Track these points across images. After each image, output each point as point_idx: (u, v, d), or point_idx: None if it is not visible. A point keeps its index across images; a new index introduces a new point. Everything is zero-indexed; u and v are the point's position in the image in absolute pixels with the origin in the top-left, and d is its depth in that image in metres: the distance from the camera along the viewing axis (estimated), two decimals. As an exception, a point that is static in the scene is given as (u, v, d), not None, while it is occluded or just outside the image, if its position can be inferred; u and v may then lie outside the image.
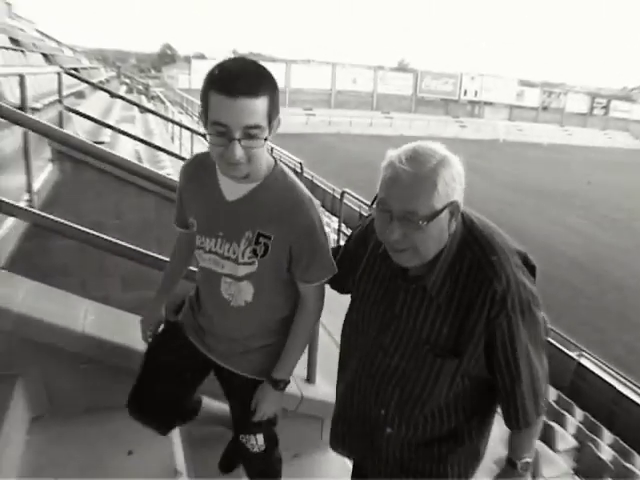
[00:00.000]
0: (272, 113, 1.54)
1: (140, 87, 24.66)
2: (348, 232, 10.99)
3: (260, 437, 2.08)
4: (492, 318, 1.55)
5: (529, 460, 1.75)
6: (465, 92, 57.68)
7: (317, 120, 50.50)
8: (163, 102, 17.48)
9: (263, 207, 1.72)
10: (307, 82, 53.98)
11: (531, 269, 1.65)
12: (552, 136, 55.20)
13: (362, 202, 9.19)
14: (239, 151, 1.51)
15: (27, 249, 3.55)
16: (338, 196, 9.80)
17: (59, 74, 5.69)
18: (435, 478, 1.76)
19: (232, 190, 1.72)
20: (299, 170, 12.74)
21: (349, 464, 2.92)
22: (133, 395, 2.14)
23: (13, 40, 16.68)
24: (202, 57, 58.31)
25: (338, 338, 1.97)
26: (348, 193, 9.27)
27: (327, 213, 15.54)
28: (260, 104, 1.49)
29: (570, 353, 9.79)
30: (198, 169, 1.84)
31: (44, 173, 4.41)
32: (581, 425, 7.95)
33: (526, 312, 1.57)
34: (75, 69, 14.39)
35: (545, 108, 61.59)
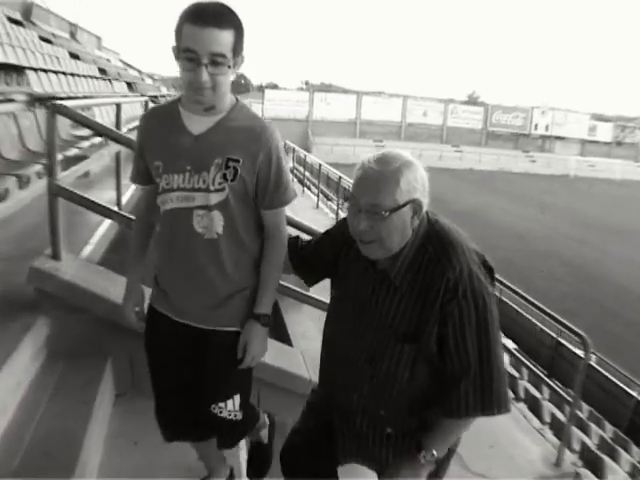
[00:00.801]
0: (237, 48, 1.74)
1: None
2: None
3: (237, 399, 2.06)
4: (445, 305, 1.71)
5: (435, 454, 1.81)
6: (536, 126, 57.00)
7: (386, 152, 50.58)
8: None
9: (231, 134, 1.84)
10: (378, 114, 54.24)
11: (489, 270, 1.82)
12: (625, 172, 53.85)
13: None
14: (205, 75, 1.69)
15: (116, 251, 4.17)
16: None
17: (146, 102, 7.09)
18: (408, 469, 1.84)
19: (197, 125, 1.85)
20: (337, 181, 13.90)
21: None
22: (161, 416, 2.19)
23: (101, 70, 18.57)
24: (275, 87, 59.44)
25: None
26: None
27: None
28: (226, 36, 1.69)
29: (630, 391, 9.89)
30: (158, 115, 1.98)
31: (129, 190, 4.98)
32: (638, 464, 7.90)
33: (479, 303, 1.71)
34: (155, 97, 15.91)
35: (619, 143, 60.20)
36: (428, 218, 1.83)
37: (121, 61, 34.80)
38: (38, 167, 4.70)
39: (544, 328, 11.87)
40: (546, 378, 5.80)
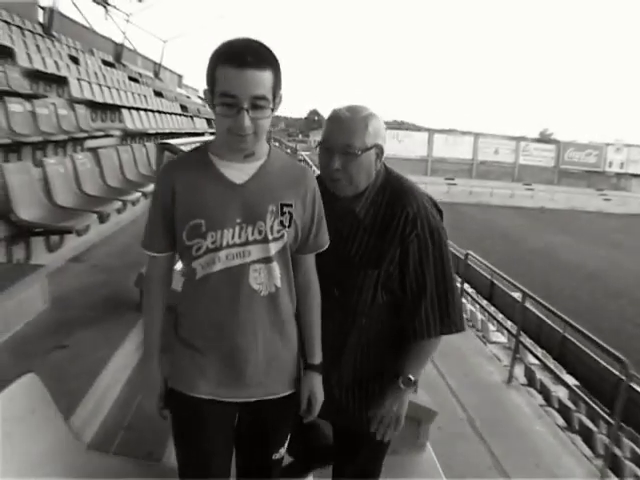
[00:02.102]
0: (276, 88, 1.60)
1: (288, 150, 26.53)
2: (470, 291, 12.18)
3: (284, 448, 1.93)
4: (406, 236, 1.92)
5: (411, 377, 1.99)
6: (610, 164, 55.53)
7: (458, 190, 50.06)
8: (309, 165, 19.52)
9: (277, 178, 1.72)
10: (449, 151, 54.23)
11: (440, 212, 2.06)
12: None
13: (486, 265, 10.50)
14: (247, 121, 1.54)
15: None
16: (462, 256, 11.19)
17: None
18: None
19: (239, 173, 1.69)
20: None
21: (439, 464, 4.05)
22: None
23: (183, 107, 19.65)
24: None
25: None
26: (472, 255, 10.61)
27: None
28: (266, 77, 1.54)
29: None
30: (185, 168, 1.74)
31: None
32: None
33: (435, 236, 1.95)
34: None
35: (699, 181, 57.69)
36: (385, 167, 2.07)
37: (200, 97, 36.48)
38: (137, 194, 5.40)
39: (607, 366, 11.83)
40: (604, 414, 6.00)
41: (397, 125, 63.88)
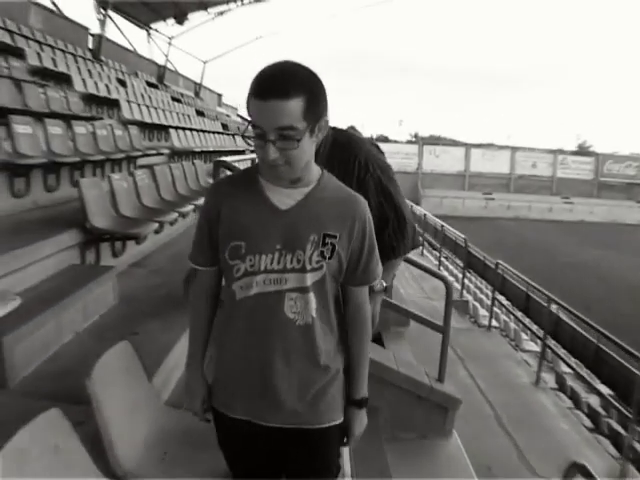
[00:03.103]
0: (310, 114, 1.52)
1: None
2: (500, 297, 12.42)
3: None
4: (362, 179, 2.18)
5: (384, 283, 2.32)
6: None
7: (496, 204, 49.86)
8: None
9: (324, 207, 1.67)
10: (486, 166, 53.68)
11: (378, 148, 2.32)
12: None
13: (516, 275, 10.78)
14: (273, 152, 1.52)
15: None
16: (493, 265, 11.47)
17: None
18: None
19: (284, 198, 1.66)
20: (462, 244, 14.52)
21: (463, 449, 4.38)
22: None
23: (224, 126, 20.31)
24: (385, 140, 59.76)
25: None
26: (501, 264, 10.91)
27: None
28: (293, 105, 1.48)
29: None
30: (234, 187, 1.74)
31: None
32: None
33: (385, 173, 2.22)
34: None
35: None
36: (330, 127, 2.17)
37: (239, 116, 37.37)
38: (189, 207, 5.96)
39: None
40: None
41: (434, 140, 63.71)
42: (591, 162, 54.90)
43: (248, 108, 1.55)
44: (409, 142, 60.00)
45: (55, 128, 5.89)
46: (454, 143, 60.48)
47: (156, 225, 4.85)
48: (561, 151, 56.75)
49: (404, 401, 4.28)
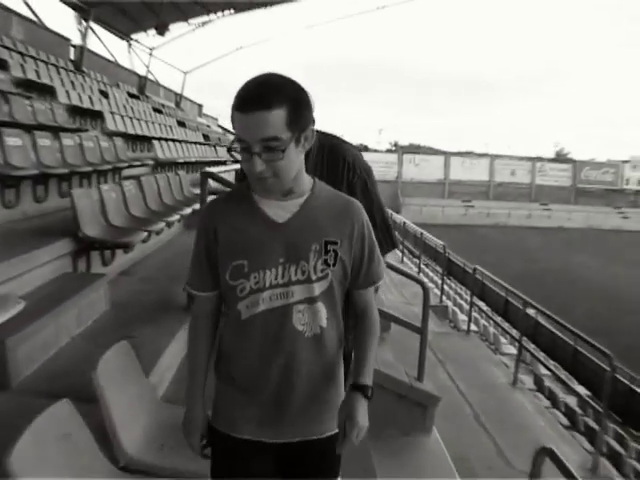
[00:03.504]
0: (294, 124, 1.52)
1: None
2: (479, 303, 12.67)
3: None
4: (350, 180, 2.23)
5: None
6: (627, 181, 55.30)
7: (475, 212, 50.72)
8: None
9: (321, 215, 1.67)
10: (466, 174, 54.34)
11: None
12: None
13: (494, 280, 11.05)
14: (259, 165, 1.51)
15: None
16: (471, 271, 11.75)
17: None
18: None
19: (280, 211, 1.64)
20: (442, 251, 14.82)
21: (443, 444, 4.57)
22: None
23: (205, 136, 20.46)
24: (365, 149, 59.92)
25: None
26: (479, 269, 11.20)
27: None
28: (275, 116, 1.47)
29: None
30: (227, 207, 1.71)
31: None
32: None
33: (370, 175, 2.30)
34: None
35: None
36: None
37: (219, 126, 37.47)
38: (175, 217, 6.13)
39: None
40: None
41: (414, 149, 64.31)
42: (569, 169, 55.79)
43: (232, 122, 1.53)
44: (389, 151, 60.54)
45: (44, 140, 6.02)
46: (433, 151, 61.11)
47: (145, 234, 5.01)
48: (539, 158, 57.52)
49: (385, 399, 4.42)
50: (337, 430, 1.67)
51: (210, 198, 3.30)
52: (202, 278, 1.73)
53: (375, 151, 57.27)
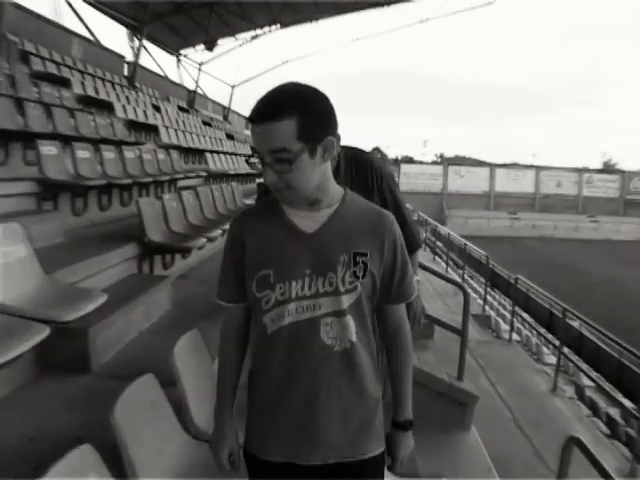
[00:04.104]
0: (307, 135, 1.48)
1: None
2: (524, 315, 12.73)
3: None
4: (379, 186, 2.43)
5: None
6: None
7: (521, 224, 49.93)
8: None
9: (351, 226, 1.62)
10: (511, 186, 53.67)
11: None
12: None
13: (534, 288, 11.14)
14: (271, 175, 1.51)
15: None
16: (513, 282, 11.88)
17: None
18: None
19: (309, 221, 1.61)
20: (485, 262, 14.91)
21: (482, 443, 4.76)
22: None
23: (252, 149, 20.90)
24: (410, 160, 59.69)
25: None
26: (521, 279, 11.30)
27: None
28: (284, 127, 1.45)
29: None
30: (256, 216, 1.70)
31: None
32: None
33: (393, 178, 2.53)
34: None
35: None
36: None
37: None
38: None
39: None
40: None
41: (459, 161, 63.96)
42: (617, 180, 54.44)
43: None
44: (434, 163, 60.09)
45: (108, 153, 6.51)
46: (479, 163, 60.38)
47: (204, 240, 5.40)
48: (586, 169, 56.40)
49: (426, 397, 4.64)
50: (376, 453, 1.68)
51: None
52: (231, 289, 1.70)
53: (420, 163, 56.97)
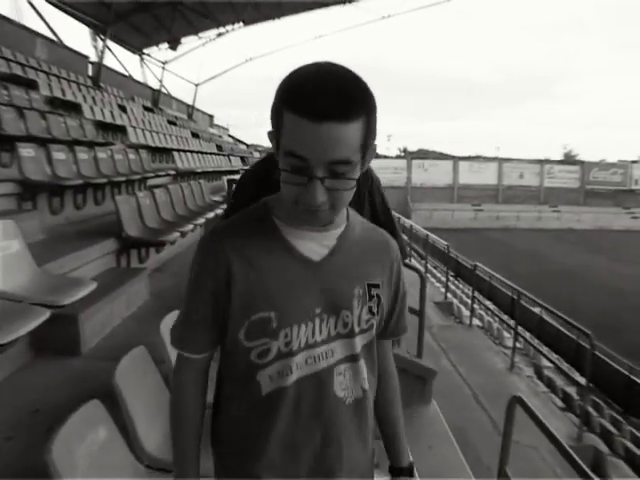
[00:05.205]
0: (366, 141, 1.12)
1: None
2: (487, 303, 13.27)
3: None
4: (369, 190, 2.37)
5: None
6: (636, 182, 54.86)
7: (485, 215, 50.90)
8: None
9: (361, 251, 1.31)
10: (474, 178, 54.40)
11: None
12: None
13: (493, 275, 11.66)
14: (321, 194, 1.09)
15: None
16: (472, 267, 12.42)
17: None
18: None
19: (315, 247, 1.24)
20: (446, 251, 15.55)
21: (442, 415, 5.17)
22: None
23: (218, 147, 21.19)
24: (375, 155, 60.37)
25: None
26: (479, 266, 11.82)
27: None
28: (353, 131, 1.07)
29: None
30: (246, 235, 1.24)
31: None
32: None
33: (380, 185, 2.47)
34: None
35: None
36: None
37: (230, 136, 38.28)
38: (200, 220, 6.85)
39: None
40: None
41: (423, 154, 64.48)
42: (577, 171, 55.69)
43: (279, 123, 1.10)
44: (398, 157, 60.60)
45: (82, 154, 6.77)
46: (442, 156, 61.11)
47: (178, 234, 5.73)
48: (547, 161, 57.52)
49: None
50: None
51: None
52: (198, 336, 1.27)
53: (384, 157, 57.28)
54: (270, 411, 1.24)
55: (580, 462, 2.93)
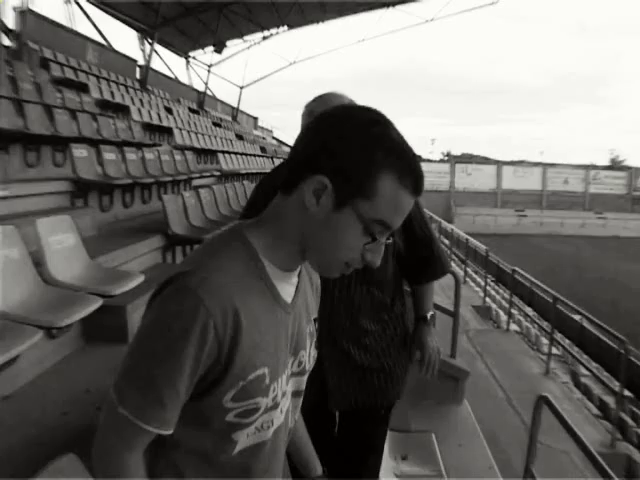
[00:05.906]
0: None
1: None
2: (527, 309, 13.14)
3: None
4: None
5: (432, 313, 2.28)
6: None
7: (528, 221, 50.31)
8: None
9: (307, 285, 1.26)
10: (518, 183, 53.92)
11: None
12: None
13: (531, 281, 11.60)
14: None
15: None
16: (510, 272, 12.35)
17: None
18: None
19: (287, 287, 1.14)
20: (485, 254, 15.49)
21: (473, 414, 5.23)
22: None
23: (262, 149, 21.50)
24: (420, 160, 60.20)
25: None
26: (518, 271, 11.76)
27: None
28: None
29: None
30: (241, 284, 1.02)
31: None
32: None
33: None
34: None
35: None
36: None
37: (274, 138, 38.72)
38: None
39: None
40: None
41: (466, 159, 64.13)
42: (624, 176, 54.55)
43: (372, 187, 1.00)
44: (441, 161, 60.35)
45: (130, 155, 7.07)
46: (486, 161, 60.59)
47: (220, 232, 5.95)
48: (593, 166, 56.46)
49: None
50: None
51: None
52: (169, 408, 0.99)
53: (428, 161, 57.12)
54: (237, 465, 1.12)
55: (603, 463, 2.99)
